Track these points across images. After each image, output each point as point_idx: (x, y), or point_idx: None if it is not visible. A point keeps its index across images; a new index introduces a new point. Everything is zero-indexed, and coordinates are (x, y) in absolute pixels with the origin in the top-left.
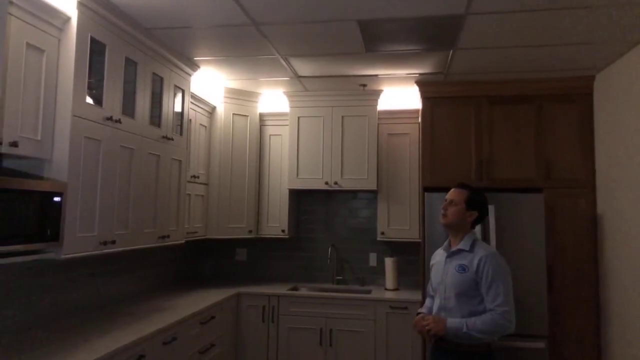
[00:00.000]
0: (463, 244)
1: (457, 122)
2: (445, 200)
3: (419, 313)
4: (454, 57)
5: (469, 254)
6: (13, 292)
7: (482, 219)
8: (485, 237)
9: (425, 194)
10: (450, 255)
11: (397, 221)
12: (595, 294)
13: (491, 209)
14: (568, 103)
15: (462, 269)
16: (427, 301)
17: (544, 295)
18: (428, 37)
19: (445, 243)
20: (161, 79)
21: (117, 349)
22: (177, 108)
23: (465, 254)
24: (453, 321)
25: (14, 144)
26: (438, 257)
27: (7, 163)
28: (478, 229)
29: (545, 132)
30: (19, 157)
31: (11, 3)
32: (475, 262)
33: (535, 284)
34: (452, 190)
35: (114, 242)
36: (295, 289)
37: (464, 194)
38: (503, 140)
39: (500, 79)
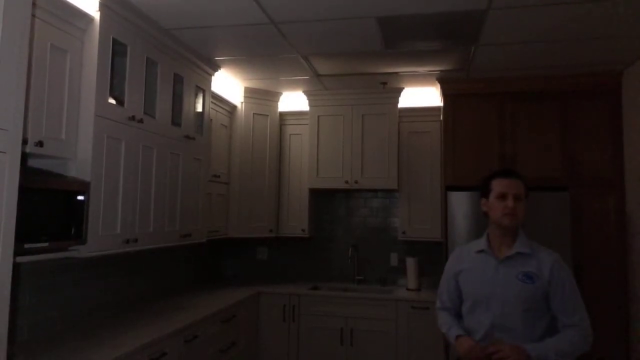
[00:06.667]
0: (521, 246)
1: (480, 119)
2: (505, 195)
3: (459, 336)
4: (476, 54)
5: (531, 259)
6: (41, 289)
7: None
8: None
9: (447, 192)
10: (506, 260)
11: (419, 220)
12: (624, 295)
13: None
14: (595, 99)
15: (529, 278)
16: (447, 317)
17: None
18: (449, 33)
19: (480, 243)
20: (182, 79)
21: (139, 346)
22: (198, 108)
23: (526, 258)
24: (535, 348)
25: (39, 144)
26: (471, 260)
27: (31, 162)
28: None
29: (571, 129)
30: (43, 157)
31: (35, 5)
32: (546, 268)
33: None
34: (513, 181)
35: (136, 240)
36: (315, 288)
37: (523, 184)
38: (527, 138)
39: (524, 75)
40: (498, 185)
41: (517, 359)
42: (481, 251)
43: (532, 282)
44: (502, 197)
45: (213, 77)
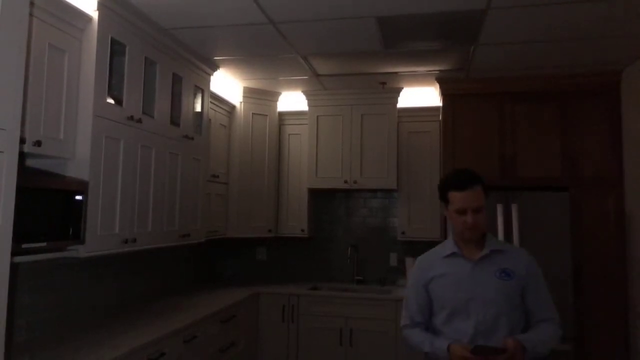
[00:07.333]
0: (495, 243)
1: (479, 119)
2: (464, 210)
3: (450, 345)
4: (476, 53)
5: (505, 255)
6: (39, 289)
7: None
8: (509, 237)
9: None
10: (482, 259)
11: (418, 220)
12: (623, 294)
13: (515, 207)
14: (594, 99)
15: (507, 274)
16: (422, 333)
17: (569, 297)
18: (448, 33)
19: (447, 247)
20: (181, 79)
21: (138, 346)
22: (197, 108)
23: (501, 256)
24: (527, 340)
25: (38, 143)
26: (442, 266)
27: (29, 162)
28: (501, 228)
29: (570, 129)
30: (42, 156)
31: (33, 4)
32: (521, 264)
33: (561, 285)
34: (470, 193)
35: (134, 240)
36: (315, 288)
37: (482, 189)
38: (527, 138)
39: (524, 75)
40: (455, 200)
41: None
42: (451, 255)
43: (510, 278)
44: (461, 212)
45: (212, 77)
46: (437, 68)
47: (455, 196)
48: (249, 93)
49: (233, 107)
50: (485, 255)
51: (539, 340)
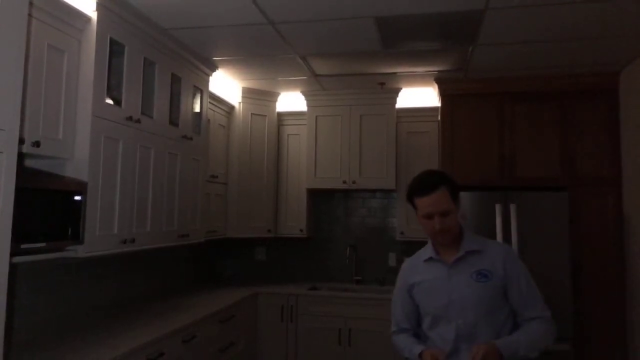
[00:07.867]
0: (469, 244)
1: (478, 120)
2: (431, 215)
3: (423, 351)
4: (474, 54)
5: (482, 255)
6: (38, 289)
7: None
8: (508, 238)
9: None
10: (456, 262)
11: (417, 221)
12: (622, 294)
13: (514, 208)
14: (593, 100)
15: (484, 276)
16: (405, 339)
17: (568, 296)
18: (447, 33)
19: (427, 251)
20: (180, 79)
21: (137, 346)
22: (196, 108)
23: (477, 256)
24: (505, 345)
25: (36, 144)
26: (422, 271)
27: (28, 162)
28: (499, 228)
29: (569, 130)
30: (41, 157)
31: (32, 5)
32: (499, 263)
33: (560, 285)
34: (434, 197)
35: (133, 240)
36: (314, 288)
37: (448, 191)
38: (526, 138)
39: (523, 75)
40: (420, 205)
41: None
42: (429, 259)
43: (487, 279)
44: (428, 217)
45: (211, 77)
46: (435, 68)
47: (420, 201)
48: (247, 93)
49: (232, 107)
50: (460, 257)
51: (525, 341)
